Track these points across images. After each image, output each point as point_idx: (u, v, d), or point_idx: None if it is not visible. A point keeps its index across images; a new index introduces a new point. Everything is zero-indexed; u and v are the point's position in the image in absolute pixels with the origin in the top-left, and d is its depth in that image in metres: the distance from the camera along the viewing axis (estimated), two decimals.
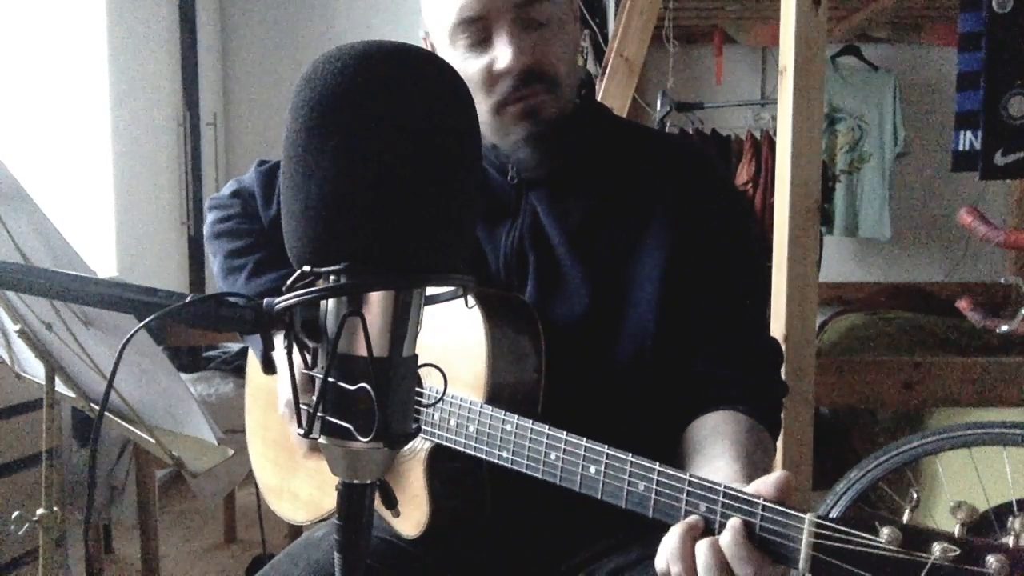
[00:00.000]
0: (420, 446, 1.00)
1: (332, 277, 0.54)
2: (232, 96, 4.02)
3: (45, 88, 2.77)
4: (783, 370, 1.15)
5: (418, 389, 0.63)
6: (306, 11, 3.98)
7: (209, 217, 1.25)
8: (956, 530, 0.64)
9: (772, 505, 0.70)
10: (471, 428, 0.92)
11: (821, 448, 1.80)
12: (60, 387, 1.27)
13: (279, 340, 0.57)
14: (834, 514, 1.76)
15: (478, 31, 0.95)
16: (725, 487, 0.72)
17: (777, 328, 1.68)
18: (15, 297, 1.15)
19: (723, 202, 1.05)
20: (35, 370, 1.29)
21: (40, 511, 1.27)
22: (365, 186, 0.53)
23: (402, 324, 0.56)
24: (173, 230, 3.55)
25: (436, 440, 0.96)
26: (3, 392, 2.01)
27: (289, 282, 0.55)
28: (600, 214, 1.03)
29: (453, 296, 0.61)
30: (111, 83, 3.07)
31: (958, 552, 0.62)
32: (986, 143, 1.93)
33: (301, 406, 0.57)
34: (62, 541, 1.33)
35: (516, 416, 0.88)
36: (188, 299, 0.57)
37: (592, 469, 0.81)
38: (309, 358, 0.58)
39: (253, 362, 1.30)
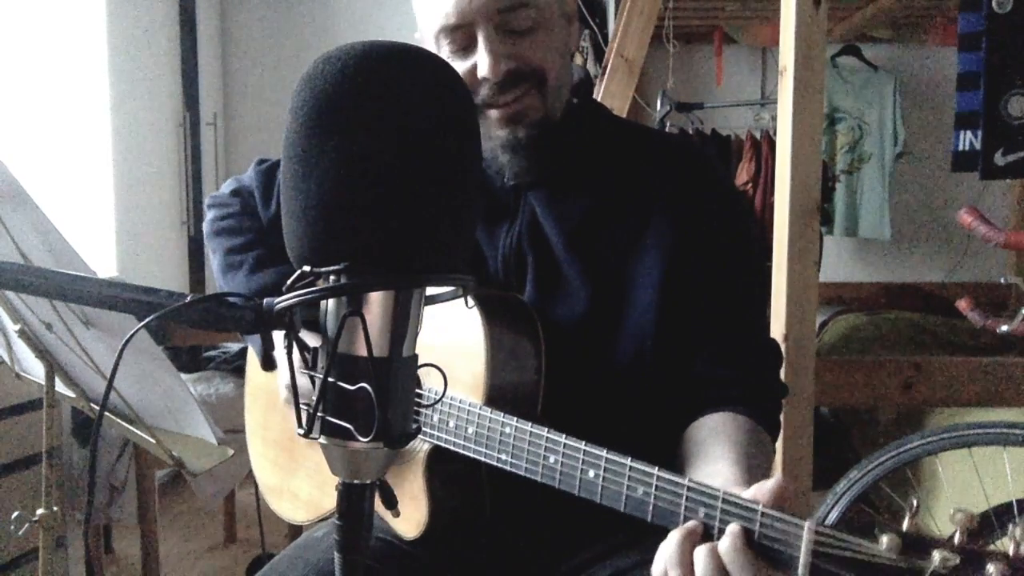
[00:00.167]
0: (419, 447, 0.99)
1: (332, 277, 0.54)
2: (232, 96, 4.02)
3: (45, 88, 2.77)
4: (783, 371, 1.15)
5: (417, 390, 0.63)
6: (306, 11, 3.98)
7: (208, 215, 1.25)
8: (956, 537, 0.63)
9: (771, 512, 0.69)
10: (470, 430, 0.91)
11: (821, 448, 1.79)
12: (60, 387, 1.27)
13: (279, 340, 0.57)
14: (835, 514, 1.77)
15: (461, 37, 0.96)
16: (724, 493, 0.72)
17: (777, 328, 1.67)
18: (15, 297, 1.15)
19: (723, 202, 1.05)
20: (35, 370, 1.29)
21: (40, 511, 1.27)
22: (365, 186, 0.53)
23: (402, 324, 0.56)
24: (173, 230, 3.55)
25: (435, 441, 0.96)
26: (3, 392, 2.01)
27: (289, 282, 0.55)
28: (599, 214, 1.03)
29: (453, 296, 0.61)
30: (111, 83, 3.07)
31: (958, 560, 0.62)
32: (986, 143, 1.93)
33: (301, 406, 0.57)
34: (62, 541, 1.33)
35: (515, 419, 0.88)
36: (188, 299, 0.57)
37: (591, 473, 0.81)
38: (309, 358, 0.58)
39: (253, 362, 1.30)
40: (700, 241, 1.00)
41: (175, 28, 3.59)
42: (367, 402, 0.54)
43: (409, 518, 1.00)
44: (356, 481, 0.58)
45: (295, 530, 2.16)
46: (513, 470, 0.88)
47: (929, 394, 1.90)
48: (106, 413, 1.22)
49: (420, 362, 0.59)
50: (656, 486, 0.76)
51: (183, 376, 2.00)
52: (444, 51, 0.97)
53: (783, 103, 1.66)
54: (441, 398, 0.94)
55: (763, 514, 0.69)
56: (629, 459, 0.78)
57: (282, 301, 0.55)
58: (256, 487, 1.26)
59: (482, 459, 0.91)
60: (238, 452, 1.27)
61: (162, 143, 3.48)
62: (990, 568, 0.61)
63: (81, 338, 1.13)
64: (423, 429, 0.96)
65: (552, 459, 0.84)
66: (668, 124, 3.35)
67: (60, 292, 0.62)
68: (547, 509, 0.95)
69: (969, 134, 2.02)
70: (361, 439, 0.54)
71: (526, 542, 1.05)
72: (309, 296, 0.54)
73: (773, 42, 2.33)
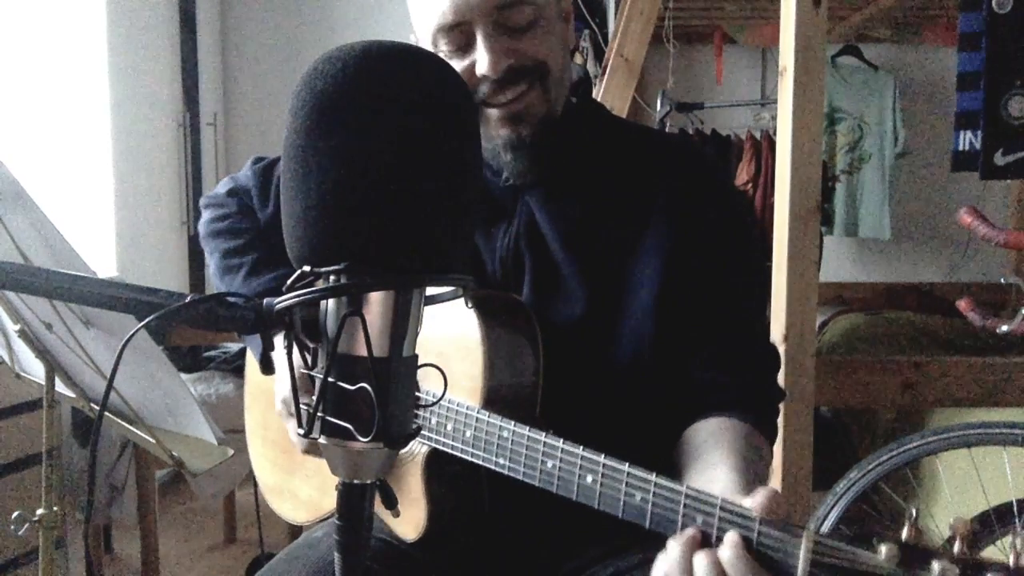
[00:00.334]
0: (418, 450, 0.99)
1: (332, 277, 0.54)
2: (232, 96, 4.02)
3: (45, 88, 2.77)
4: (783, 371, 1.15)
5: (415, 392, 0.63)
6: (306, 11, 3.98)
7: (204, 215, 1.24)
8: (955, 546, 0.63)
9: (770, 520, 0.69)
10: (468, 433, 0.91)
11: (821, 448, 1.79)
12: (60, 387, 1.27)
13: (279, 340, 0.57)
14: (835, 514, 1.77)
15: (459, 36, 0.95)
16: (722, 500, 0.71)
17: (777, 328, 1.67)
18: (15, 297, 1.15)
19: (722, 204, 1.04)
20: (35, 370, 1.29)
21: (40, 511, 1.27)
22: (365, 186, 0.53)
23: (402, 324, 0.56)
24: (173, 230, 3.55)
25: (433, 444, 0.96)
26: (3, 392, 2.01)
27: (289, 282, 0.55)
28: (597, 215, 1.02)
29: (453, 296, 0.61)
30: (111, 83, 3.07)
31: (957, 571, 0.61)
32: (986, 143, 1.93)
33: (301, 406, 0.57)
34: (62, 541, 1.33)
35: (513, 423, 0.87)
36: (188, 299, 0.57)
37: (589, 478, 0.80)
38: (309, 358, 0.58)
39: (252, 362, 1.29)
40: (699, 243, 0.99)
41: (175, 28, 3.59)
42: (367, 402, 0.54)
43: (408, 520, 1.00)
44: (356, 481, 0.57)
45: (295, 530, 2.16)
46: (511, 474, 0.87)
47: (929, 394, 1.90)
48: (106, 413, 1.22)
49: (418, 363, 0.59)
50: (654, 492, 0.75)
51: (183, 376, 2.00)
52: (441, 50, 0.96)
53: (783, 103, 1.66)
54: (440, 398, 0.93)
55: (761, 521, 0.69)
56: (627, 465, 0.78)
57: (282, 301, 0.55)
58: (256, 487, 1.26)
59: (480, 463, 0.90)
60: (238, 452, 1.27)
61: (162, 143, 3.48)
62: None
63: (81, 338, 1.13)
64: (421, 432, 0.96)
65: (550, 464, 0.83)
66: (668, 124, 3.35)
67: (60, 292, 0.62)
68: (547, 510, 0.95)
69: (969, 134, 2.03)
70: (361, 439, 0.54)
71: (526, 543, 1.04)
72: (309, 296, 0.54)
73: (773, 42, 2.33)
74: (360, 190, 0.53)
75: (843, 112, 3.78)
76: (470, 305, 0.94)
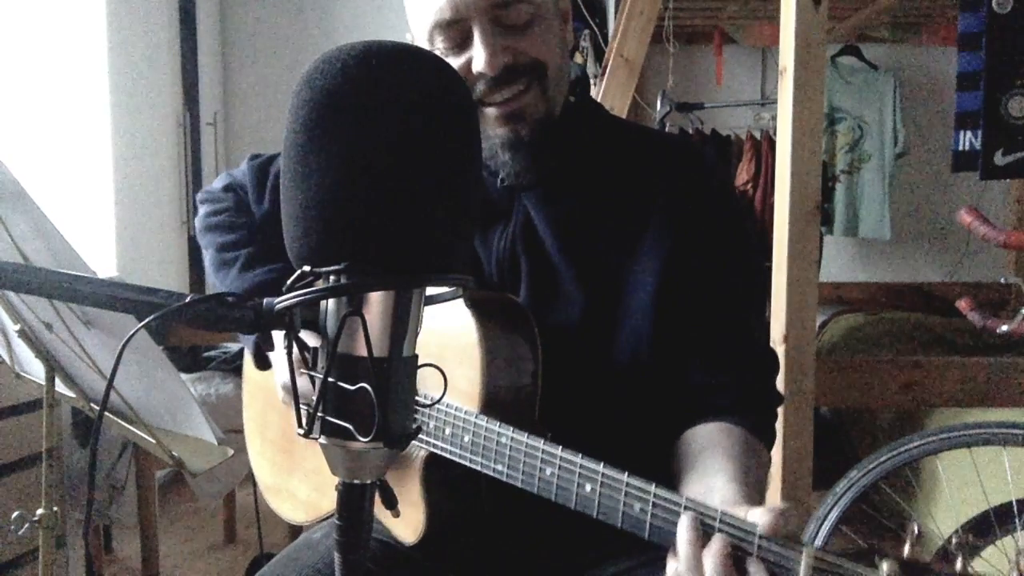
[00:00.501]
0: (416, 453, 0.98)
1: (332, 277, 0.54)
2: (232, 96, 4.02)
3: (45, 88, 2.77)
4: (783, 371, 1.15)
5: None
6: (306, 11, 3.98)
7: (201, 210, 1.24)
8: (958, 564, 0.63)
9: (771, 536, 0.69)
10: (466, 439, 0.90)
11: (821, 448, 1.79)
12: (60, 387, 1.27)
13: (279, 340, 0.57)
14: (835, 514, 1.76)
15: (456, 33, 0.94)
16: (722, 514, 0.71)
17: (777, 328, 1.67)
18: (15, 297, 1.15)
19: (721, 204, 1.03)
20: (35, 370, 1.29)
21: (40, 511, 1.27)
22: (365, 186, 0.53)
23: (402, 324, 0.56)
24: (173, 230, 3.55)
25: (432, 449, 0.95)
26: (3, 392, 2.01)
27: (289, 282, 0.55)
28: (595, 216, 1.01)
29: (453, 296, 0.61)
30: (111, 83, 3.07)
31: None
32: (986, 143, 1.93)
33: (301, 406, 0.57)
34: (62, 541, 1.33)
35: (511, 429, 0.86)
36: (188, 299, 0.57)
37: (587, 487, 0.80)
38: (309, 358, 0.58)
39: (250, 361, 1.29)
40: (698, 244, 0.98)
41: (175, 28, 3.59)
42: (367, 402, 0.54)
43: (407, 523, 0.99)
44: (356, 481, 0.57)
45: (295, 530, 2.16)
46: (509, 481, 0.86)
47: (929, 394, 1.90)
48: (106, 413, 1.22)
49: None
50: (653, 503, 0.75)
51: (183, 376, 2.00)
52: (438, 48, 0.95)
53: (783, 103, 1.66)
54: (439, 400, 0.92)
55: (762, 536, 0.68)
56: (626, 475, 0.77)
57: (282, 301, 0.55)
58: (256, 487, 1.26)
59: (478, 469, 0.89)
60: (238, 452, 1.27)
61: (162, 143, 3.48)
62: None
63: (81, 338, 1.13)
64: (419, 436, 0.96)
65: (548, 472, 0.83)
66: (668, 124, 3.35)
67: (60, 292, 0.62)
68: (547, 513, 0.95)
69: (969, 134, 2.03)
70: (361, 439, 0.54)
71: (527, 544, 1.04)
72: (309, 296, 0.54)
73: (773, 42, 2.33)
74: (360, 190, 0.52)
75: (843, 112, 3.78)
76: (468, 306, 0.93)
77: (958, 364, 1.92)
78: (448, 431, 0.92)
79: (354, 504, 0.58)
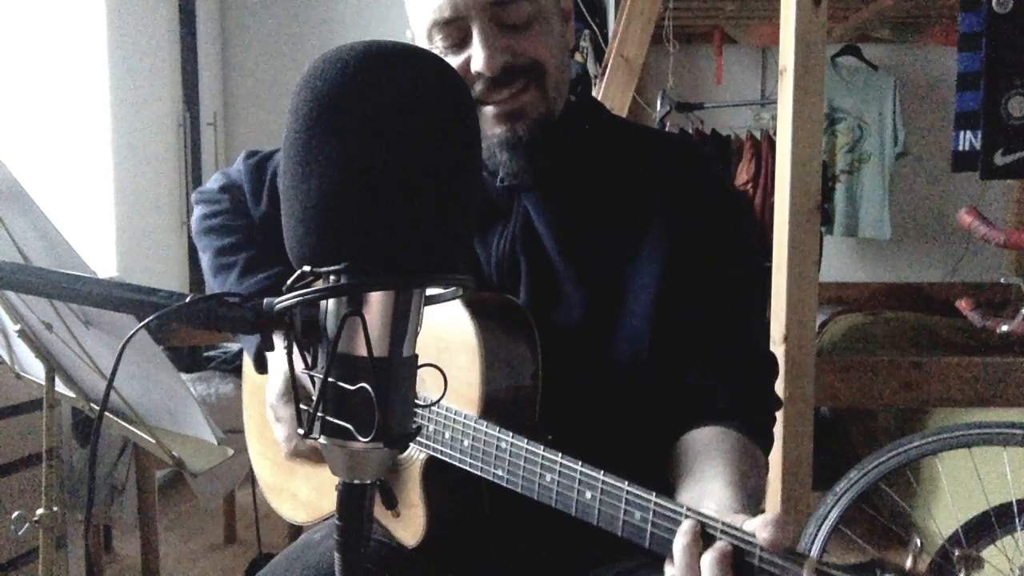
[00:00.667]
0: (416, 456, 0.98)
1: (332, 277, 0.54)
2: (232, 96, 4.02)
3: (45, 88, 2.77)
4: (783, 372, 1.14)
5: None
6: (306, 11, 3.98)
7: (196, 211, 1.22)
8: None
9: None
10: (466, 443, 0.90)
11: (821, 448, 1.80)
12: (60, 387, 1.27)
13: (279, 340, 0.57)
14: (835, 514, 1.76)
15: (455, 32, 0.93)
16: (723, 524, 0.70)
17: (777, 328, 1.67)
18: (15, 297, 1.15)
19: (722, 206, 1.02)
20: (35, 370, 1.29)
21: (40, 511, 1.27)
22: (365, 186, 0.53)
23: (402, 324, 0.56)
24: (173, 230, 3.55)
25: (431, 452, 0.94)
26: (3, 392, 2.01)
27: (289, 282, 0.55)
28: (595, 216, 1.00)
29: (453, 296, 0.61)
30: (111, 83, 3.07)
31: None
32: (986, 143, 1.93)
33: (301, 406, 0.57)
34: (62, 541, 1.33)
35: (511, 434, 0.85)
36: (188, 299, 0.57)
37: (587, 495, 0.79)
38: (309, 358, 0.58)
39: (250, 361, 1.29)
40: (699, 245, 0.98)
41: (175, 28, 3.59)
42: (367, 402, 0.54)
43: (408, 526, 0.98)
44: (356, 481, 0.57)
45: (295, 530, 2.16)
46: (509, 486, 0.86)
47: (929, 394, 1.90)
48: (106, 413, 1.22)
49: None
50: (654, 511, 0.74)
51: (183, 376, 2.00)
52: (437, 46, 0.95)
53: (783, 103, 1.67)
54: (438, 400, 0.92)
55: (762, 548, 0.67)
56: (626, 483, 0.77)
57: (282, 301, 0.55)
58: (255, 487, 1.26)
59: (478, 473, 0.89)
60: (238, 452, 1.27)
61: (162, 143, 3.48)
62: None
63: (81, 338, 1.13)
64: (419, 439, 0.94)
65: (548, 478, 0.82)
66: (668, 124, 3.35)
67: (60, 292, 0.62)
68: (547, 516, 0.95)
69: (969, 134, 2.03)
70: (361, 439, 0.54)
71: (527, 546, 1.04)
72: (309, 296, 0.54)
73: (773, 42, 2.33)
74: (360, 190, 0.52)
75: (843, 112, 3.78)
76: (467, 307, 0.93)
77: (958, 364, 1.92)
78: (448, 435, 0.92)
79: (354, 504, 0.58)
